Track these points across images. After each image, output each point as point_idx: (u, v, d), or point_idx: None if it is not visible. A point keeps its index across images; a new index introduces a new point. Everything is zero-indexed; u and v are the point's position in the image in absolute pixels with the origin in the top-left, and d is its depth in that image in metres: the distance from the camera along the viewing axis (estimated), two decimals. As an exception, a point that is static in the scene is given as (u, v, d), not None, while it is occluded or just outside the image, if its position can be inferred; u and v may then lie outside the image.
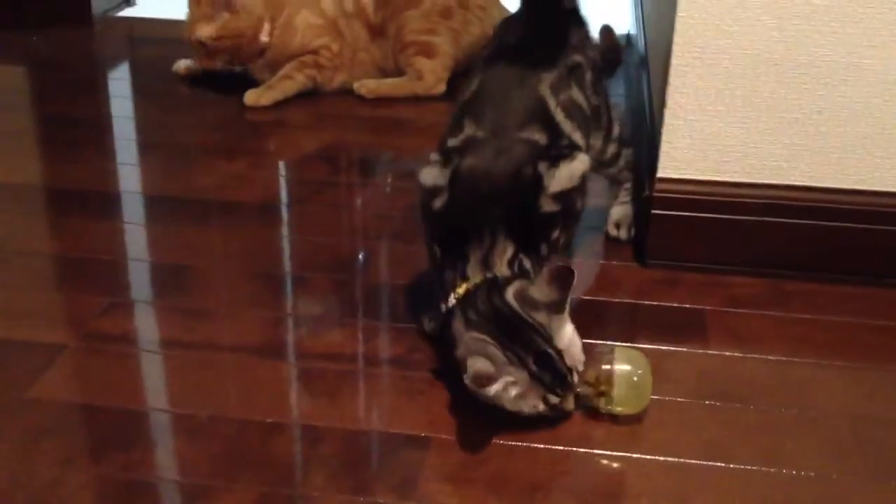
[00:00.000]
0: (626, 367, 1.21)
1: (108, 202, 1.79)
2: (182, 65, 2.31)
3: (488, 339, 1.16)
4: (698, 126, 1.48)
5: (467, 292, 1.21)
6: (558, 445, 1.18)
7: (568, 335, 1.18)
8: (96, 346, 1.34)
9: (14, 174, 1.87)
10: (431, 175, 1.29)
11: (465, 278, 1.23)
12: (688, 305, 1.45)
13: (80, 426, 1.21)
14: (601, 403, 1.21)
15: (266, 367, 1.31)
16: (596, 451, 1.18)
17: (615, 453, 1.18)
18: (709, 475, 1.15)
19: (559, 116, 1.34)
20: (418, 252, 1.52)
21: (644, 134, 1.68)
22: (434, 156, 1.32)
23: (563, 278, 1.15)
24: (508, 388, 1.14)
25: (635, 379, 1.21)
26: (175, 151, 2.00)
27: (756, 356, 1.35)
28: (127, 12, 2.80)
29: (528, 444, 1.18)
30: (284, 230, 1.70)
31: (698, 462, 1.17)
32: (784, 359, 1.35)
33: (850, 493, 1.12)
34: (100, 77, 2.43)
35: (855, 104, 1.44)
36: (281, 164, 2.00)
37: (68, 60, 2.46)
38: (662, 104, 1.49)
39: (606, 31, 2.25)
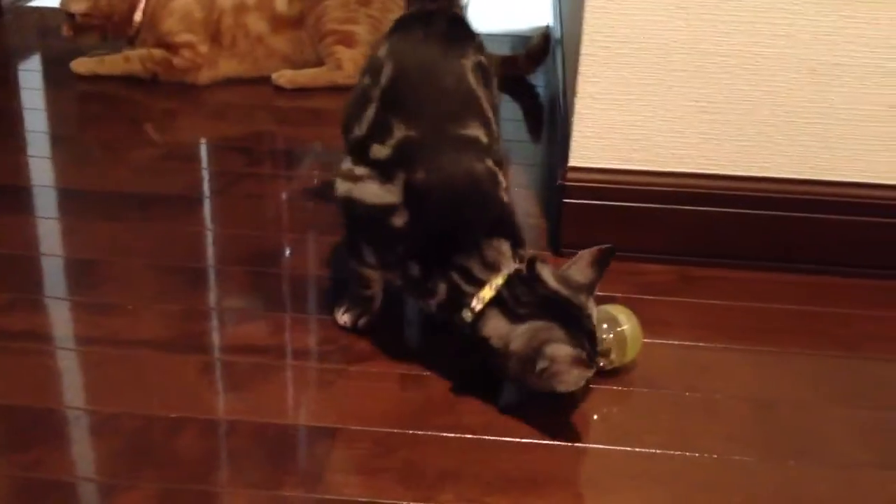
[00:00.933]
0: (625, 327, 1.28)
1: (19, 196, 1.75)
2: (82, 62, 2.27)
3: (554, 324, 1.17)
4: (608, 115, 1.49)
5: (498, 292, 1.19)
6: (466, 433, 1.18)
7: (596, 312, 1.23)
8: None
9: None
10: (373, 192, 1.24)
11: (478, 282, 1.20)
12: (599, 293, 1.46)
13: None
14: (606, 364, 1.27)
15: (174, 362, 1.29)
16: (505, 439, 1.18)
17: (524, 440, 1.18)
18: (616, 459, 1.16)
19: (489, 112, 1.31)
20: (328, 243, 1.52)
21: (557, 124, 1.69)
22: (359, 169, 1.26)
23: (605, 259, 1.23)
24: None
25: (632, 332, 1.29)
26: (85, 144, 1.96)
27: (663, 341, 1.37)
28: (37, 2, 2.72)
29: (435, 432, 1.18)
30: (201, 223, 1.67)
31: (606, 447, 1.18)
32: (690, 344, 1.37)
33: (750, 474, 1.15)
34: (10, 68, 2.36)
35: (759, 92, 1.47)
36: (196, 155, 1.97)
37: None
38: (573, 93, 1.50)
39: (545, 32, 2.27)
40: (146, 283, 1.47)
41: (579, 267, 1.23)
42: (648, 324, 1.39)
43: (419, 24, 1.33)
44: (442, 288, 1.22)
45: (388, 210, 1.23)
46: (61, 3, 2.19)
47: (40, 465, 1.11)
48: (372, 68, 1.31)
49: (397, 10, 2.23)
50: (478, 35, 1.36)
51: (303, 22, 2.23)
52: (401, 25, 1.35)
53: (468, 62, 1.29)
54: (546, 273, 1.22)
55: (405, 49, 1.30)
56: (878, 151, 1.49)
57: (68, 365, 1.30)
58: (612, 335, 1.28)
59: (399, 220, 1.22)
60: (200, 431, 1.17)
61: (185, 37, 2.20)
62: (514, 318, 1.19)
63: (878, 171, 1.50)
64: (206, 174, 1.87)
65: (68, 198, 1.75)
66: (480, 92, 1.30)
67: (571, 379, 1.17)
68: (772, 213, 1.51)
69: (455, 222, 1.22)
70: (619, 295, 1.45)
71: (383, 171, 1.24)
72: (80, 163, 1.88)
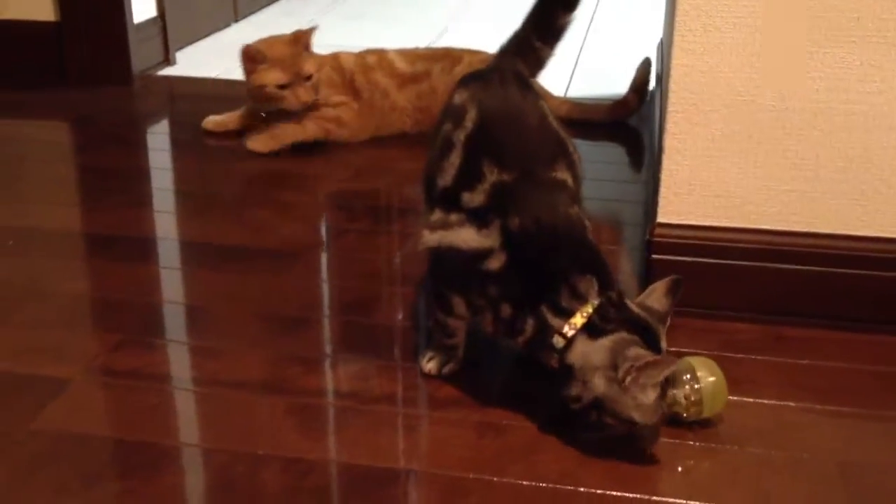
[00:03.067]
0: (710, 379, 1.27)
1: (140, 246, 1.86)
2: (211, 120, 2.41)
3: (636, 338, 1.20)
4: (696, 171, 1.50)
5: (589, 319, 1.22)
6: (542, 482, 1.19)
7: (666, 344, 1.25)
8: (104, 381, 1.40)
9: (50, 220, 1.95)
10: (470, 238, 1.27)
11: (565, 311, 1.22)
12: (686, 350, 1.45)
13: (77, 455, 1.25)
14: (689, 416, 1.27)
15: (265, 403, 1.34)
16: (580, 489, 1.18)
17: (599, 491, 1.18)
18: (691, 514, 1.15)
19: (575, 156, 1.35)
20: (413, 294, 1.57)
21: (650, 179, 1.71)
22: (452, 216, 1.28)
23: (677, 289, 1.27)
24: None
25: (716, 385, 1.28)
26: (206, 200, 2.07)
27: (750, 399, 1.35)
28: (166, 71, 2.92)
29: (511, 479, 1.19)
30: (302, 274, 1.75)
31: (684, 501, 1.17)
32: (778, 403, 1.35)
33: (833, 535, 1.12)
34: (139, 131, 2.53)
35: (852, 150, 1.45)
36: (307, 213, 2.06)
37: (109, 116, 2.57)
38: (661, 150, 1.52)
39: (645, 64, 2.37)
40: (246, 329, 1.55)
41: (655, 297, 1.26)
42: (735, 382, 1.37)
43: (490, 73, 1.39)
44: (530, 324, 1.24)
45: (484, 254, 1.26)
46: (278, 78, 2.24)
47: (132, 493, 1.17)
48: (452, 114, 1.34)
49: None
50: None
51: (422, 79, 2.36)
52: (470, 78, 1.41)
53: (545, 105, 1.34)
54: (629, 301, 1.25)
55: (486, 93, 1.35)
56: (980, 210, 1.44)
57: (167, 402, 1.37)
58: (692, 386, 1.27)
59: (495, 264, 1.25)
60: (283, 468, 1.22)
61: (338, 98, 2.32)
62: (598, 334, 1.21)
63: (980, 230, 1.45)
64: (315, 228, 1.95)
65: (185, 250, 1.86)
66: (563, 134, 1.34)
67: (649, 399, 1.18)
68: (863, 272, 1.47)
69: (550, 266, 1.25)
70: (706, 352, 1.43)
71: (478, 216, 1.27)
72: (200, 218, 1.99)
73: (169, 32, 2.94)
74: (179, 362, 1.47)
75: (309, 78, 2.25)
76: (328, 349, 1.50)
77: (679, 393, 1.26)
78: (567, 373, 1.22)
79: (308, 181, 2.18)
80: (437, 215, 1.31)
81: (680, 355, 1.35)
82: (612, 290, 1.24)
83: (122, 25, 2.71)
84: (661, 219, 1.54)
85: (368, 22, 3.62)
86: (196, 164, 2.29)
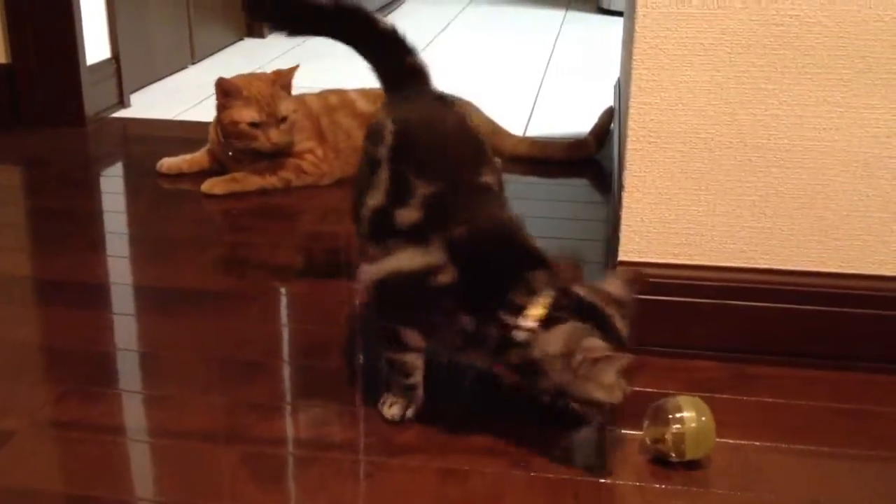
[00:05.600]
0: (693, 424, 1.25)
1: (91, 292, 1.81)
2: (166, 163, 2.37)
3: (588, 326, 1.21)
4: (656, 209, 1.49)
5: (546, 309, 1.22)
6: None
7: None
8: (50, 433, 1.34)
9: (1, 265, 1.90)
10: (415, 258, 1.26)
11: (522, 308, 1.22)
12: (650, 389, 1.44)
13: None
14: (673, 456, 1.26)
15: (216, 452, 1.30)
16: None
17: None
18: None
19: (495, 160, 1.38)
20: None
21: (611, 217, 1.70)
22: (391, 242, 1.28)
23: (636, 279, 1.29)
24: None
25: (702, 428, 1.25)
26: (159, 244, 2.03)
27: (716, 439, 1.33)
28: (121, 113, 2.87)
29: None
30: (255, 318, 1.71)
31: (649, 547, 1.14)
32: (744, 442, 1.33)
33: (803, 579, 1.09)
34: (92, 174, 2.48)
35: (813, 186, 1.45)
36: (256, 255, 2.02)
37: (62, 159, 2.52)
38: (621, 187, 1.51)
39: (608, 111, 2.41)
40: (199, 375, 1.50)
41: (613, 285, 1.27)
42: (700, 421, 1.35)
43: (408, 93, 1.43)
44: (492, 330, 1.23)
45: (433, 271, 1.24)
46: (254, 117, 2.19)
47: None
48: (372, 133, 1.36)
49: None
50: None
51: None
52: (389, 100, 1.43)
53: (463, 111, 1.38)
54: (579, 287, 1.25)
55: (402, 105, 1.37)
56: (939, 245, 1.45)
57: (117, 455, 1.32)
58: (677, 427, 1.25)
59: (447, 278, 1.24)
60: (238, 522, 1.17)
61: (305, 144, 2.28)
62: (553, 323, 1.21)
63: (939, 265, 1.45)
64: (272, 271, 1.91)
65: (138, 294, 1.81)
66: (483, 138, 1.36)
67: (607, 378, 1.19)
68: (826, 308, 1.47)
69: (500, 269, 1.25)
70: (672, 392, 1.41)
71: (416, 235, 1.26)
72: (153, 262, 1.94)
73: (124, 74, 2.90)
74: (130, 412, 1.42)
75: (283, 119, 2.21)
76: (285, 395, 1.45)
77: (664, 430, 1.25)
78: (533, 367, 1.22)
79: (268, 223, 2.15)
80: (374, 248, 1.31)
81: (650, 396, 1.34)
82: (559, 282, 1.24)
83: (76, 67, 2.67)
84: (622, 257, 1.52)
85: (328, 61, 3.60)
86: (150, 207, 2.24)
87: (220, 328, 1.65)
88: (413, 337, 1.30)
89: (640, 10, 1.41)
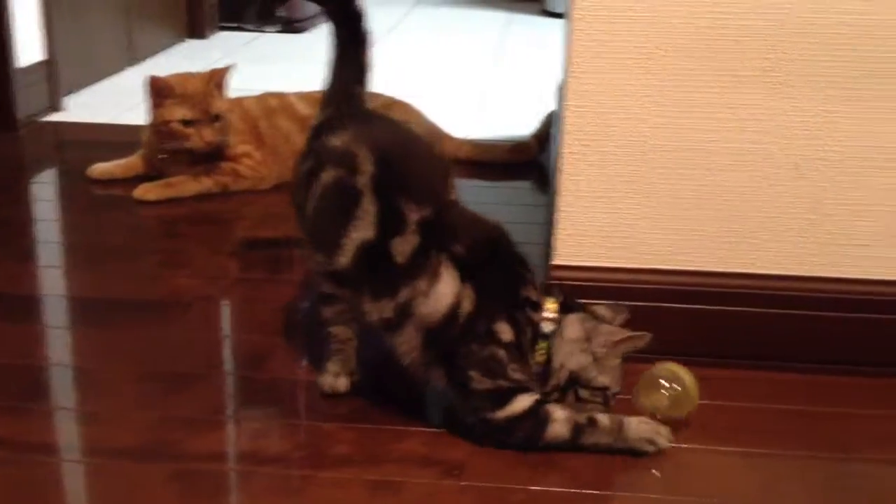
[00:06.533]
0: (687, 382, 1.34)
1: (21, 304, 1.76)
2: (97, 168, 2.31)
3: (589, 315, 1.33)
4: (591, 212, 1.49)
5: (557, 304, 1.31)
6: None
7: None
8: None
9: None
10: (446, 294, 1.27)
11: (539, 304, 1.31)
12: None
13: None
14: (662, 416, 1.33)
15: (144, 471, 1.26)
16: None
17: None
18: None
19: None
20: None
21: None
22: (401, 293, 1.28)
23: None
24: None
25: (692, 384, 1.35)
26: (92, 252, 1.98)
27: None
28: (55, 116, 2.81)
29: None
30: (189, 327, 1.67)
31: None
32: (683, 446, 1.32)
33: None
34: (23, 180, 2.42)
35: (739, 189, 1.45)
36: (192, 261, 1.99)
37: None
38: (556, 191, 1.50)
39: (550, 116, 2.43)
40: (131, 389, 1.47)
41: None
42: (636, 426, 1.35)
43: (353, 110, 1.44)
44: (528, 330, 1.29)
45: (456, 304, 1.27)
46: (181, 114, 2.15)
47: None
48: (335, 160, 1.32)
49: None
50: None
51: None
52: (333, 123, 1.39)
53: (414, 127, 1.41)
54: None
55: (369, 130, 1.37)
56: (868, 246, 1.46)
57: (42, 475, 1.28)
58: (671, 389, 1.34)
59: (468, 305, 1.27)
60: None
61: (242, 148, 2.24)
62: (567, 311, 1.31)
63: (868, 267, 1.46)
64: (209, 278, 1.88)
65: (70, 306, 1.76)
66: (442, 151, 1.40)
67: (615, 364, 1.31)
68: (761, 310, 1.48)
69: (511, 274, 1.32)
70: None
71: (419, 266, 1.26)
72: (86, 272, 1.90)
73: (60, 76, 2.83)
74: (57, 430, 1.38)
75: (217, 118, 2.17)
76: (220, 408, 1.42)
77: (664, 394, 1.34)
78: (549, 360, 1.29)
79: (203, 229, 2.11)
80: (367, 305, 1.31)
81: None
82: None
83: (6, 69, 2.61)
84: (557, 260, 1.52)
85: (273, 65, 3.57)
86: (83, 214, 2.19)
87: (155, 339, 1.61)
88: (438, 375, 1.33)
89: (576, 14, 1.40)
